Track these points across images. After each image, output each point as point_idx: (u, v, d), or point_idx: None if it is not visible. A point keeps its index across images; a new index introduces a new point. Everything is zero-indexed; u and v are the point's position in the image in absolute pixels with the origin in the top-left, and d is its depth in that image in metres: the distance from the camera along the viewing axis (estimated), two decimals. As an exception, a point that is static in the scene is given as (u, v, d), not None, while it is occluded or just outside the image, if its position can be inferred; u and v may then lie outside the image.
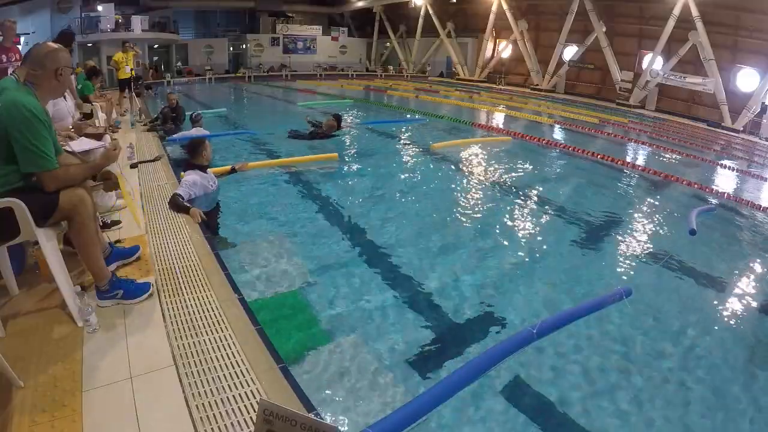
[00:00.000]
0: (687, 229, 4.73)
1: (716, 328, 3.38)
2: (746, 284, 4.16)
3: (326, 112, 11.08)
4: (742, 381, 2.75)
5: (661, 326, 3.27)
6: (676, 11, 15.69)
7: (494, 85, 23.47)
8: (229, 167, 5.07)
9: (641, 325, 3.22)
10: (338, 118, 8.50)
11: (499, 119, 13.61)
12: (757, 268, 4.53)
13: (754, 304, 3.75)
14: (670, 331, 3.21)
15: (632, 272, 4.05)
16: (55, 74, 2.22)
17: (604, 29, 18.65)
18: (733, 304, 3.73)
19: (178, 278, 2.80)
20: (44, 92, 2.25)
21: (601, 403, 2.46)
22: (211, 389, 1.91)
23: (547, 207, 5.66)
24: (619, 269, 4.13)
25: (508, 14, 21.79)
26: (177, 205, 3.92)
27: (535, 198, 6.00)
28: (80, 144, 3.26)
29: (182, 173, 4.58)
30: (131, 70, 10.14)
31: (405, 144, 8.99)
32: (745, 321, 3.50)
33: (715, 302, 3.72)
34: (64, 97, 3.94)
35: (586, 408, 2.42)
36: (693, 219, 4.91)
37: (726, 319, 3.52)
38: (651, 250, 4.55)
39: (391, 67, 30.08)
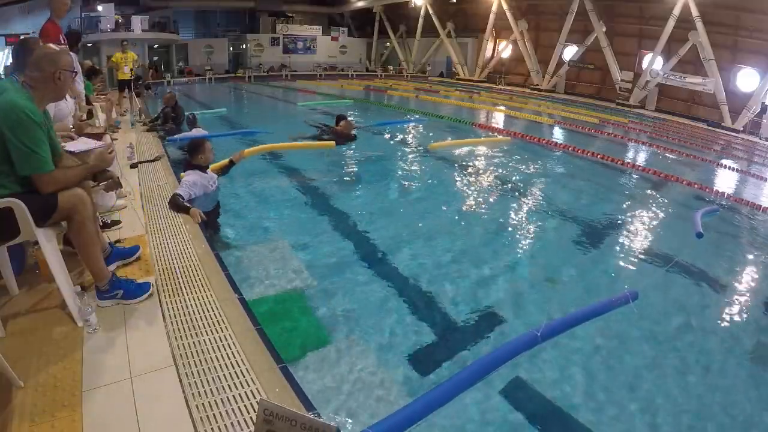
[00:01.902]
0: (693, 232, 4.69)
1: (722, 329, 3.37)
2: (749, 284, 4.16)
3: (327, 113, 11.07)
4: (747, 381, 2.75)
5: (667, 328, 3.25)
6: (676, 11, 15.70)
7: (494, 85, 23.47)
8: (227, 161, 5.07)
9: (647, 327, 3.20)
10: (341, 118, 8.29)
11: (499, 119, 13.61)
12: (761, 268, 4.53)
13: (758, 303, 3.74)
14: (675, 333, 3.20)
15: (637, 274, 4.03)
16: (53, 77, 2.20)
17: (604, 29, 18.65)
18: (737, 305, 3.72)
19: (178, 278, 2.79)
20: (42, 95, 2.23)
21: (604, 405, 2.46)
22: (211, 389, 1.91)
23: (548, 208, 5.65)
24: (622, 271, 4.12)
25: (508, 14, 21.80)
26: (177, 205, 3.93)
27: (536, 199, 6.00)
28: (79, 144, 3.26)
29: (182, 174, 4.58)
30: (130, 70, 10.13)
31: (406, 144, 8.99)
32: (750, 321, 3.50)
33: (720, 303, 3.72)
34: (65, 98, 3.93)
35: (589, 410, 2.41)
36: (698, 221, 4.87)
37: (731, 319, 3.51)
38: (654, 251, 4.54)
39: (391, 67, 30.09)
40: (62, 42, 4.66)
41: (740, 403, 2.58)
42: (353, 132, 8.01)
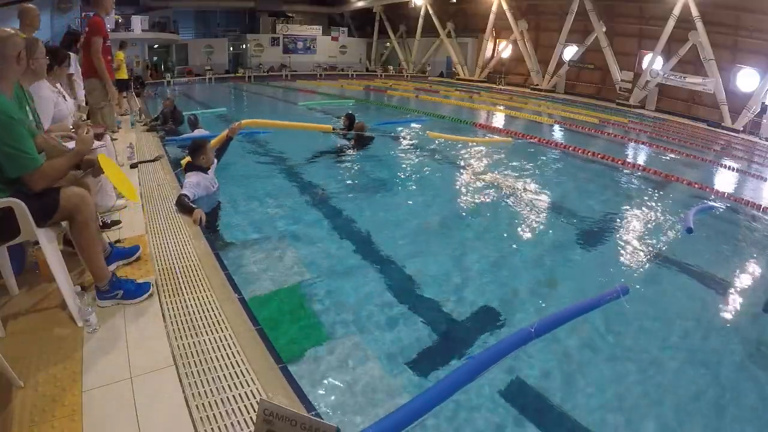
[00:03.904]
0: (684, 228, 4.74)
1: (715, 327, 3.38)
2: (745, 283, 4.16)
3: (328, 113, 11.04)
4: (741, 380, 2.76)
5: (659, 325, 3.27)
6: (676, 11, 15.70)
7: (494, 85, 23.47)
8: (224, 135, 5.06)
9: (638, 323, 3.23)
10: (351, 118, 7.93)
11: (499, 119, 13.61)
12: (757, 267, 4.54)
13: (753, 303, 3.75)
14: (667, 330, 3.21)
15: (630, 271, 4.06)
16: (17, 60, 2.14)
17: (604, 29, 18.65)
18: (732, 303, 3.73)
19: (178, 278, 2.80)
20: (8, 82, 2.15)
21: (598, 403, 2.46)
22: (211, 389, 1.91)
23: (546, 207, 5.66)
24: (617, 268, 4.13)
25: (508, 14, 21.80)
26: (183, 205, 3.93)
27: (535, 198, 5.99)
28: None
29: (182, 161, 4.52)
30: (131, 70, 10.16)
31: (407, 143, 8.98)
32: (744, 320, 3.50)
33: (714, 301, 3.72)
34: (64, 98, 3.93)
35: (583, 407, 2.42)
36: (690, 218, 4.92)
37: (724, 318, 3.52)
38: (650, 249, 4.56)
39: (391, 67, 30.10)
40: (107, 34, 5.05)
41: (735, 400, 2.59)
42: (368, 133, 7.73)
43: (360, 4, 28.47)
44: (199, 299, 2.58)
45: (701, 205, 5.86)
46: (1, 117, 1.99)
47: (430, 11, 25.53)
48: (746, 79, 15.20)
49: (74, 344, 2.15)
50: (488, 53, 24.78)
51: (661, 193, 6.76)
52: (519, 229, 4.98)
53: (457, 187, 6.38)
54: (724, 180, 8.53)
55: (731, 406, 2.54)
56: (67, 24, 17.54)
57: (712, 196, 6.71)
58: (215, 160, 4.75)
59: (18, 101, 2.26)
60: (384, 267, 3.78)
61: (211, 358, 2.10)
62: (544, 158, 8.30)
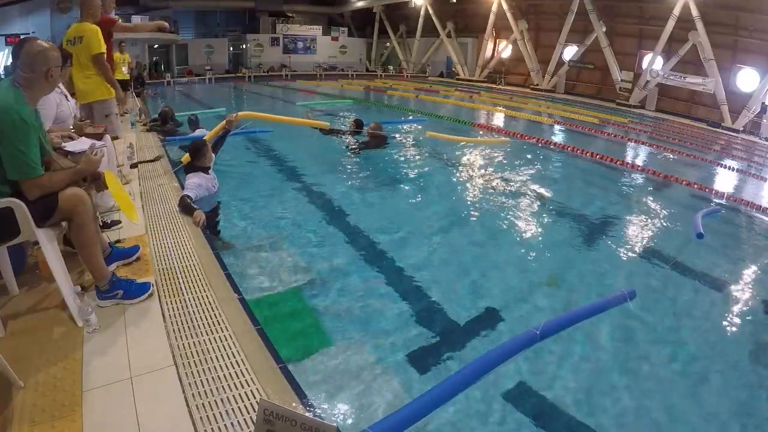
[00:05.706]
0: (693, 233, 4.68)
1: (721, 329, 3.37)
2: (749, 285, 4.15)
3: (330, 113, 11.02)
4: (747, 382, 2.75)
5: (665, 328, 3.26)
6: (676, 11, 15.69)
7: (494, 85, 23.45)
8: (221, 127, 5.03)
9: (645, 327, 3.21)
10: (359, 123, 7.83)
11: (499, 119, 13.60)
12: (760, 268, 4.53)
13: (758, 304, 3.74)
14: (674, 333, 3.21)
15: (636, 274, 4.04)
16: (45, 76, 2.18)
17: (604, 29, 18.64)
18: (737, 306, 3.72)
19: (178, 278, 2.80)
20: (35, 94, 2.22)
21: (603, 405, 2.46)
22: (211, 389, 1.91)
23: (547, 208, 5.65)
24: (622, 272, 4.12)
25: (508, 14, 21.78)
26: (185, 206, 3.93)
27: (535, 199, 5.98)
28: (79, 144, 3.25)
29: (183, 158, 4.49)
30: (131, 70, 10.17)
31: (407, 144, 8.97)
32: (749, 322, 3.49)
33: (719, 304, 3.72)
34: (66, 98, 3.93)
35: (587, 410, 2.42)
36: (699, 222, 4.86)
37: (730, 320, 3.51)
38: (653, 251, 4.54)
39: (391, 67, 30.08)
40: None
41: (742, 402, 2.58)
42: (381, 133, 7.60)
43: (360, 4, 28.46)
44: (199, 299, 2.58)
45: (708, 209, 5.82)
46: (16, 118, 2.02)
47: (430, 11, 25.51)
48: (746, 79, 15.19)
49: (74, 344, 2.15)
50: (488, 53, 24.76)
51: (661, 193, 6.76)
52: (520, 230, 4.97)
53: (459, 188, 6.37)
54: (725, 180, 8.53)
55: (738, 410, 2.54)
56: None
57: (713, 197, 6.70)
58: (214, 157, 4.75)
59: None
60: (386, 268, 3.77)
61: (211, 358, 2.10)
62: (543, 159, 8.29)
